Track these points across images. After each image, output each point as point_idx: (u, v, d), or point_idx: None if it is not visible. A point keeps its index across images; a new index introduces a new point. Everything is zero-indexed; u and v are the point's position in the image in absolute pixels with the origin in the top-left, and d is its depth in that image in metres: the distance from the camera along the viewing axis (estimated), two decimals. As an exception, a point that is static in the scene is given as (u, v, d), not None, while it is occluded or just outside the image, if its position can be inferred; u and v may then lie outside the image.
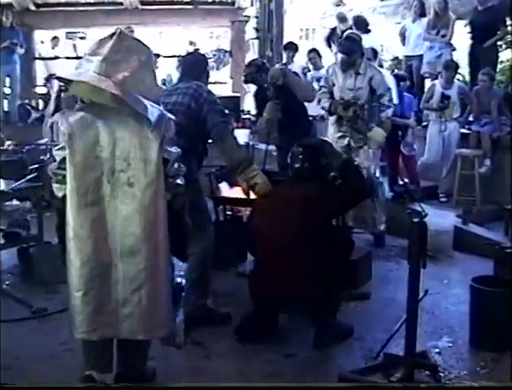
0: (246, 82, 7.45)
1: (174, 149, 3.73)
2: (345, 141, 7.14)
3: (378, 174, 7.37)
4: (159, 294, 3.75)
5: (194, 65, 5.25)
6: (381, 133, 7.10)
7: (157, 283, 3.72)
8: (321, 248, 4.65)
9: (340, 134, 7.21)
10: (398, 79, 8.79)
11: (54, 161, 3.81)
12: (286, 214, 4.79)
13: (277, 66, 8.98)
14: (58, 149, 3.75)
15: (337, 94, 7.23)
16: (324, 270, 4.61)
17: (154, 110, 3.61)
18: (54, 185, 3.83)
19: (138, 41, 3.79)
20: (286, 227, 4.73)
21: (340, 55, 7.45)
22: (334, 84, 7.27)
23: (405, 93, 8.77)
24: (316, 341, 4.70)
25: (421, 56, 10.52)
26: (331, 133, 7.34)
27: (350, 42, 7.18)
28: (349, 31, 10.36)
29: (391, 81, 9.03)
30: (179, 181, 3.78)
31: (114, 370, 3.95)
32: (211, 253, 5.10)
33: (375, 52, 9.06)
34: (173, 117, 3.82)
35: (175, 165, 3.74)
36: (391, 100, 7.22)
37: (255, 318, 4.85)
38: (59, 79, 4.27)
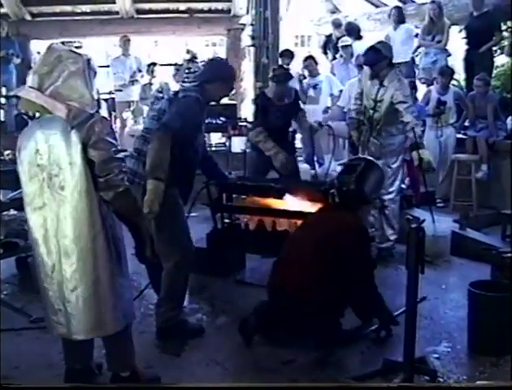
0: (273, 80, 7.42)
1: (103, 150, 3.72)
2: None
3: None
4: (96, 294, 3.82)
5: None
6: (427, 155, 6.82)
7: (92, 284, 3.80)
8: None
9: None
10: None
11: None
12: (318, 231, 4.89)
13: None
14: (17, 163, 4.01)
15: (364, 101, 7.11)
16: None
17: (80, 114, 3.72)
18: None
19: (70, 51, 3.93)
20: (313, 241, 4.82)
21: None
22: (362, 90, 7.15)
23: (415, 102, 8.76)
24: (318, 343, 4.73)
25: (408, 62, 10.53)
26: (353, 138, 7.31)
27: (373, 52, 6.87)
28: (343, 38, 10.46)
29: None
30: (116, 181, 3.75)
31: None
32: (185, 266, 4.99)
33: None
34: (105, 117, 3.94)
35: (109, 164, 3.73)
36: (410, 107, 6.74)
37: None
38: (13, 96, 4.51)
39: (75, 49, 4.13)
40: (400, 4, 11.20)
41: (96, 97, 4.13)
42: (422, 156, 6.67)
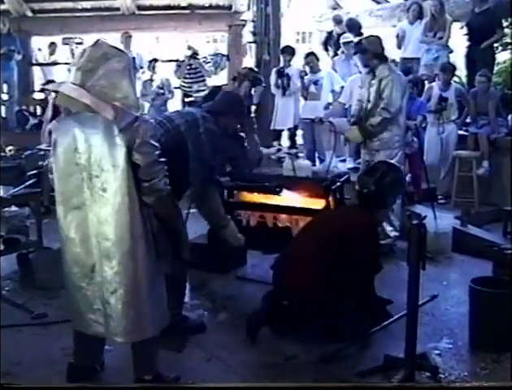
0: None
1: (148, 153, 3.70)
2: None
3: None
4: (135, 298, 3.80)
5: None
6: (354, 134, 7.20)
7: (131, 288, 3.77)
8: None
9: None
10: (409, 82, 8.80)
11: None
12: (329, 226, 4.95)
13: None
14: (50, 157, 3.96)
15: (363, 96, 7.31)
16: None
17: (125, 116, 3.66)
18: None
19: (116, 48, 3.84)
20: (321, 238, 4.87)
21: None
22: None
23: (416, 97, 8.78)
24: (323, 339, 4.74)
25: (419, 59, 10.54)
26: None
27: (357, 46, 7.34)
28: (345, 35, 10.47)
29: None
30: (159, 186, 3.73)
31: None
32: (184, 262, 4.85)
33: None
34: (151, 120, 3.86)
35: (154, 168, 3.72)
36: (384, 109, 6.88)
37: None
38: (46, 90, 4.38)
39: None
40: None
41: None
42: (347, 134, 7.43)
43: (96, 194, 3.70)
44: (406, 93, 7.20)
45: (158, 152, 3.77)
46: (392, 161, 6.63)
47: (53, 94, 10.24)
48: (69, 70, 3.81)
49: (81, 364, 4.14)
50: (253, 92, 9.71)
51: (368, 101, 7.07)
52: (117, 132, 3.61)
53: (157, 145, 3.79)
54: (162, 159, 3.81)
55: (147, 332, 3.90)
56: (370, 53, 7.04)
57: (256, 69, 7.67)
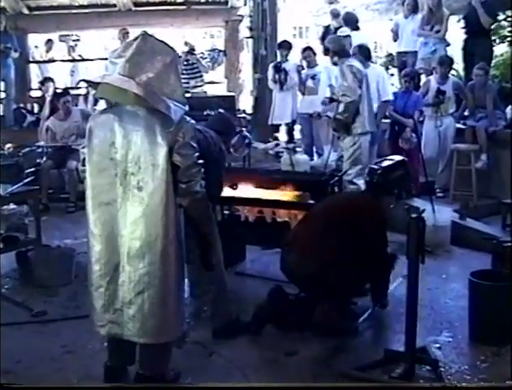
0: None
1: (189, 155, 3.66)
2: None
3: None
4: (163, 299, 3.74)
5: None
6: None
7: (161, 289, 3.71)
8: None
9: None
10: (406, 76, 8.83)
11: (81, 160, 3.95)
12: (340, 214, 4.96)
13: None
14: (83, 147, 3.88)
15: None
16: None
17: (176, 111, 3.63)
18: (84, 182, 3.93)
19: (163, 42, 3.78)
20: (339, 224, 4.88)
21: None
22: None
23: (413, 91, 8.81)
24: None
25: (415, 52, 10.53)
26: None
27: (326, 42, 8.10)
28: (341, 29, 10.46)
29: (384, 76, 9.11)
30: (196, 188, 3.70)
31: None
32: (222, 259, 4.92)
33: (366, 49, 9.05)
34: (193, 121, 3.81)
35: (192, 170, 3.69)
36: (344, 95, 7.55)
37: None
38: (86, 81, 4.29)
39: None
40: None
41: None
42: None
43: (129, 192, 3.64)
44: (364, 82, 7.67)
45: (196, 154, 3.73)
46: (355, 146, 7.58)
47: (50, 92, 10.26)
48: (111, 62, 3.67)
49: (115, 365, 4.07)
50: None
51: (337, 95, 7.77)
52: (159, 130, 3.56)
53: (196, 146, 3.74)
54: (200, 161, 3.77)
55: (172, 334, 3.88)
56: (331, 51, 7.77)
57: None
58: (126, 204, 3.65)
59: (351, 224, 4.79)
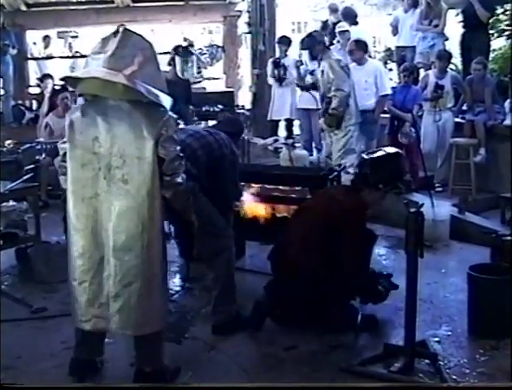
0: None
1: (172, 148, 3.71)
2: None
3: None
4: (149, 291, 3.78)
5: None
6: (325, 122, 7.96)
7: (147, 281, 3.75)
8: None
9: None
10: (405, 70, 8.83)
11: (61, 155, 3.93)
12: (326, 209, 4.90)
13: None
14: (62, 143, 3.88)
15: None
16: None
17: (166, 100, 3.68)
18: (60, 177, 3.96)
19: (142, 37, 3.81)
20: (309, 221, 4.91)
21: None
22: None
23: (412, 85, 8.81)
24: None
25: (414, 47, 10.53)
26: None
27: (309, 39, 8.06)
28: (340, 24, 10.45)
29: (382, 70, 9.10)
30: (179, 179, 3.75)
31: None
32: (232, 258, 4.98)
33: (363, 44, 9.05)
34: (174, 115, 3.85)
35: (175, 163, 3.72)
36: (338, 89, 7.60)
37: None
38: (66, 79, 4.30)
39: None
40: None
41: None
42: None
43: (114, 185, 3.66)
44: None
45: (179, 147, 3.77)
46: (347, 137, 7.78)
47: (49, 88, 10.25)
48: (93, 58, 3.69)
49: (82, 358, 4.11)
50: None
51: (318, 90, 8.07)
52: (145, 123, 3.60)
53: (178, 139, 3.80)
54: (182, 154, 3.81)
55: (158, 325, 3.90)
56: (321, 44, 7.93)
57: (183, 44, 7.82)
58: (110, 197, 3.68)
59: (325, 221, 4.78)
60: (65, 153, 3.84)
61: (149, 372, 3.96)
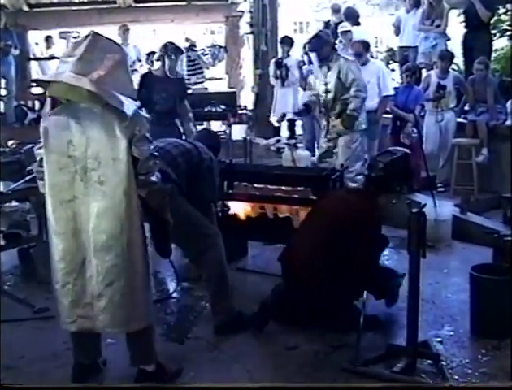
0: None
1: (146, 147, 3.73)
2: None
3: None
4: (132, 289, 3.81)
5: None
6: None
7: (129, 279, 3.79)
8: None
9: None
10: (407, 71, 8.82)
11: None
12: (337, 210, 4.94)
13: None
14: (38, 149, 3.92)
15: (317, 89, 7.82)
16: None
17: (129, 105, 3.67)
18: (39, 183, 4.02)
19: (112, 41, 3.86)
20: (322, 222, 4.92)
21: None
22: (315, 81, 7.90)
23: (414, 86, 8.81)
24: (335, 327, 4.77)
25: (416, 47, 10.53)
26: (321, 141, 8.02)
27: (318, 39, 7.70)
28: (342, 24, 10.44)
29: (385, 71, 9.09)
30: (153, 178, 3.79)
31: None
32: (222, 256, 4.94)
33: (366, 44, 9.05)
34: (147, 115, 3.89)
35: (149, 162, 3.76)
36: (359, 91, 7.45)
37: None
38: (37, 81, 4.37)
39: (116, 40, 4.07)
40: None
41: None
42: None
43: (91, 187, 3.69)
44: None
45: (152, 146, 3.82)
46: (356, 143, 7.64)
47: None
48: (62, 61, 3.72)
49: (83, 363, 4.13)
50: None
51: (327, 92, 7.62)
52: (118, 124, 3.62)
53: (151, 138, 3.82)
54: (156, 153, 3.88)
55: (142, 322, 3.92)
56: (330, 44, 7.68)
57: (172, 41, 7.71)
58: (88, 199, 3.71)
59: (342, 224, 4.79)
60: (42, 159, 3.87)
61: (144, 370, 4.01)
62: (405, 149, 5.31)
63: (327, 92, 7.61)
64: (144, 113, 3.86)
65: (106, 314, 3.81)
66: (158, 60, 7.45)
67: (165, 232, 4.05)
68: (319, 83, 7.71)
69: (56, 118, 3.78)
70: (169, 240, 4.18)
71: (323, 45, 7.60)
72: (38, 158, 3.93)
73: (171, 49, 7.34)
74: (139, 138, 3.68)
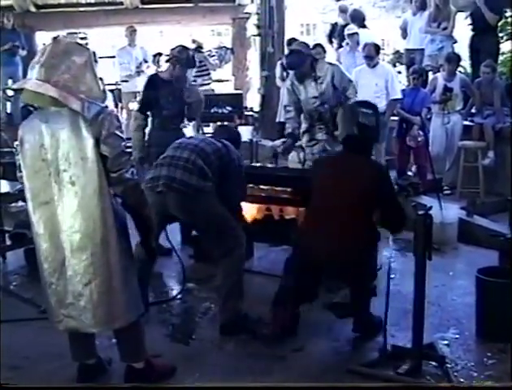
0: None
1: (116, 144, 3.74)
2: (321, 147, 7.04)
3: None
4: (110, 288, 3.83)
5: None
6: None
7: (106, 277, 3.81)
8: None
9: (314, 142, 7.11)
10: (414, 73, 8.82)
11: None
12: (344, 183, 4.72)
13: None
14: (17, 155, 3.95)
15: (304, 108, 7.03)
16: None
17: (91, 107, 3.71)
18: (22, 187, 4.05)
19: (77, 43, 3.93)
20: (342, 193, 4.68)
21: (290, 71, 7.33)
22: (299, 99, 7.03)
23: (421, 88, 8.81)
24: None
25: (423, 49, 10.52)
26: (303, 142, 7.25)
27: (296, 55, 6.87)
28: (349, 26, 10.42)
29: (393, 74, 9.08)
30: (127, 175, 3.78)
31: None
32: (243, 256, 5.05)
33: (378, 47, 9.06)
34: (113, 111, 3.93)
35: (121, 159, 3.76)
36: (356, 92, 7.00)
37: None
38: (11, 89, 4.42)
39: (80, 42, 4.11)
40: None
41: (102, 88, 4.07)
42: None
43: (64, 188, 3.72)
44: None
45: (124, 143, 3.83)
46: None
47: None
48: (30, 68, 3.79)
49: (85, 362, 4.16)
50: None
51: (323, 103, 6.90)
52: (83, 124, 3.65)
53: (122, 135, 3.84)
54: (129, 150, 3.92)
55: (123, 320, 3.93)
56: (310, 57, 6.89)
57: (188, 47, 7.23)
58: (63, 200, 3.74)
59: (365, 185, 4.59)
60: (20, 164, 3.93)
61: (132, 367, 4.05)
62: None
63: (322, 104, 6.87)
64: (109, 109, 3.87)
65: (87, 314, 3.84)
66: (167, 61, 7.23)
67: (147, 229, 4.05)
68: (308, 98, 6.91)
69: (29, 124, 3.85)
70: (152, 237, 4.16)
71: (304, 61, 6.78)
72: (18, 164, 3.98)
73: (183, 58, 6.94)
74: (107, 135, 3.70)
